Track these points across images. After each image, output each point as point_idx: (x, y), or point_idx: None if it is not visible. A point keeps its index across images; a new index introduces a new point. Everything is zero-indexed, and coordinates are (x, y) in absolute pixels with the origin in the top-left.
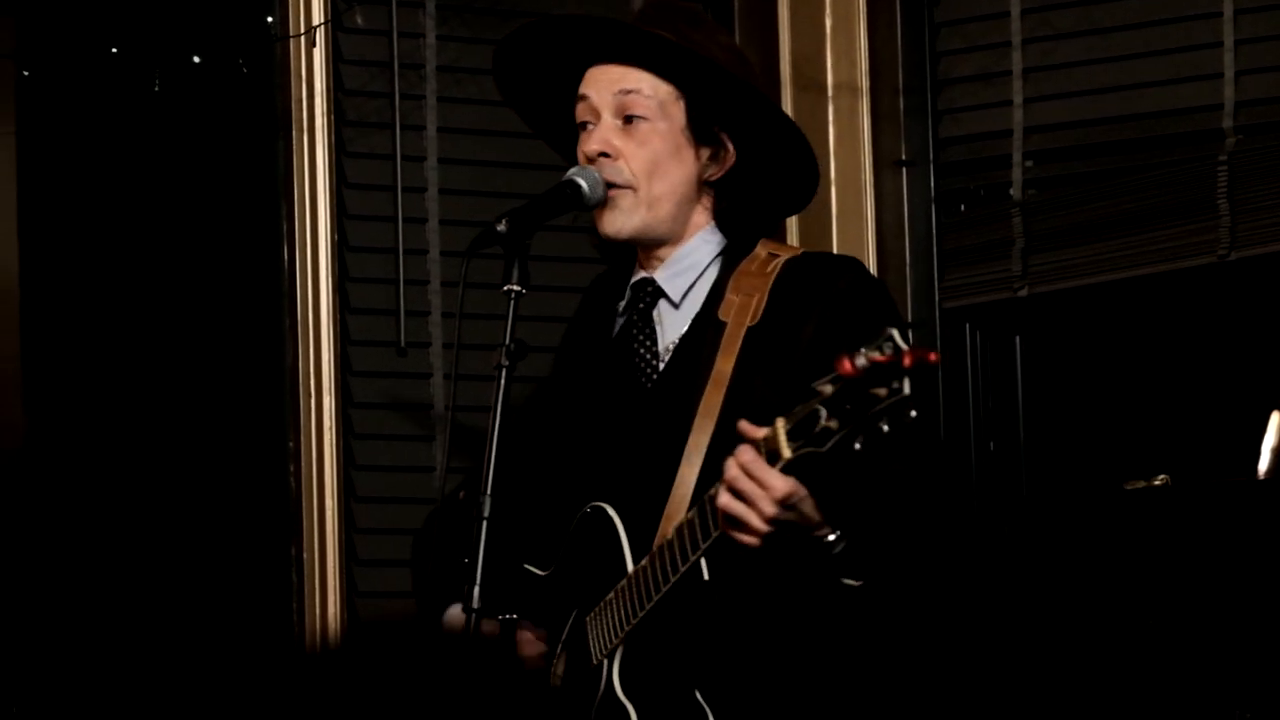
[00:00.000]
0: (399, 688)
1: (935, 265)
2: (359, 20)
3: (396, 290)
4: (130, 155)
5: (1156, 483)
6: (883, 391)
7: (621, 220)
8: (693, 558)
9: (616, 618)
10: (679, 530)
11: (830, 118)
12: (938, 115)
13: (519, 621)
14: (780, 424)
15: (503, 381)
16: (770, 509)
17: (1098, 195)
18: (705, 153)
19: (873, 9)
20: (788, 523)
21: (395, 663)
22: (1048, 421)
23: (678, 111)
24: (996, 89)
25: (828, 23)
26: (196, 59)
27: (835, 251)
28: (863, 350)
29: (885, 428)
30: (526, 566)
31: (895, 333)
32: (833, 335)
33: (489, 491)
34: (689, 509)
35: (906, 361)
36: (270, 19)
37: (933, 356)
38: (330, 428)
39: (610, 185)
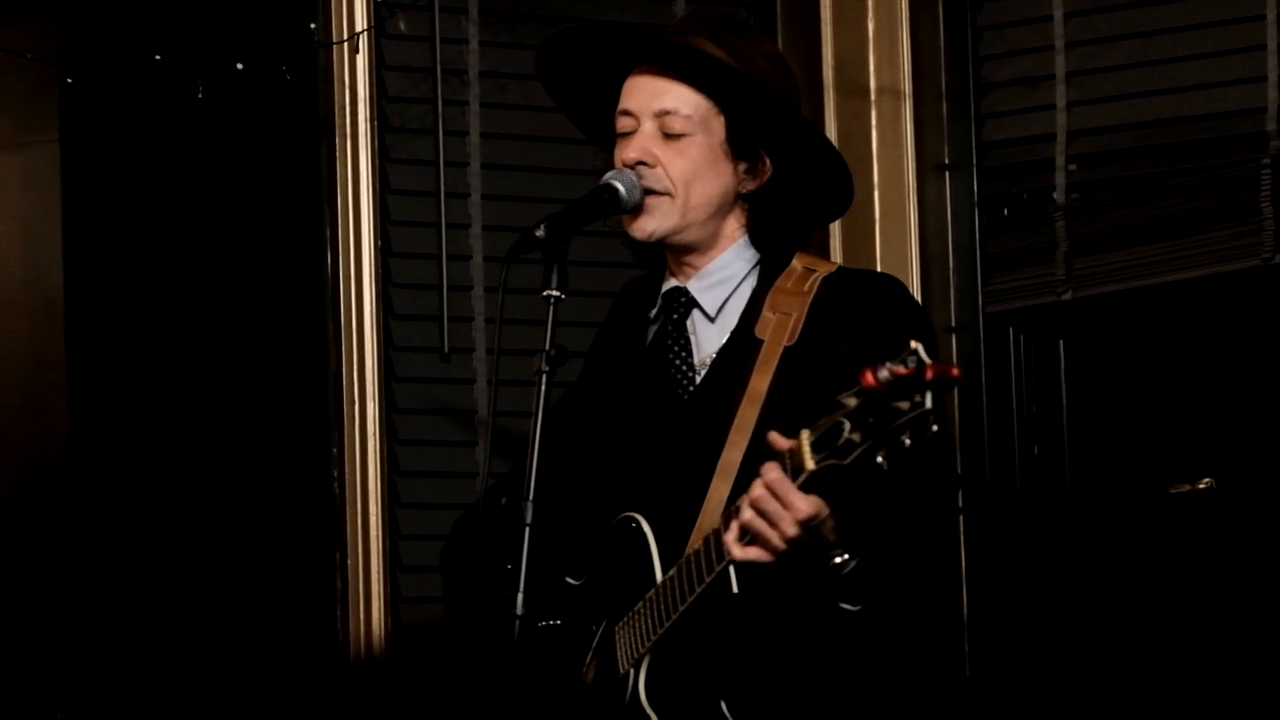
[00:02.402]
0: (442, 693)
1: (979, 269)
2: (402, 26)
3: (440, 296)
4: (173, 162)
5: (1201, 486)
6: (905, 405)
7: (654, 224)
8: (718, 567)
9: (644, 628)
10: (706, 542)
11: (873, 122)
12: (981, 119)
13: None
14: (805, 435)
15: (543, 387)
16: (791, 530)
17: (1141, 199)
18: (743, 166)
19: (915, 13)
20: (804, 542)
21: (438, 668)
22: (1092, 425)
23: (718, 126)
24: (1039, 93)
25: (870, 27)
26: (240, 65)
27: (878, 255)
28: (887, 364)
29: (907, 441)
30: (566, 576)
31: (919, 346)
32: (867, 357)
33: (531, 498)
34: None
35: (929, 375)
36: (313, 25)
37: (955, 371)
38: (374, 433)
39: (648, 191)
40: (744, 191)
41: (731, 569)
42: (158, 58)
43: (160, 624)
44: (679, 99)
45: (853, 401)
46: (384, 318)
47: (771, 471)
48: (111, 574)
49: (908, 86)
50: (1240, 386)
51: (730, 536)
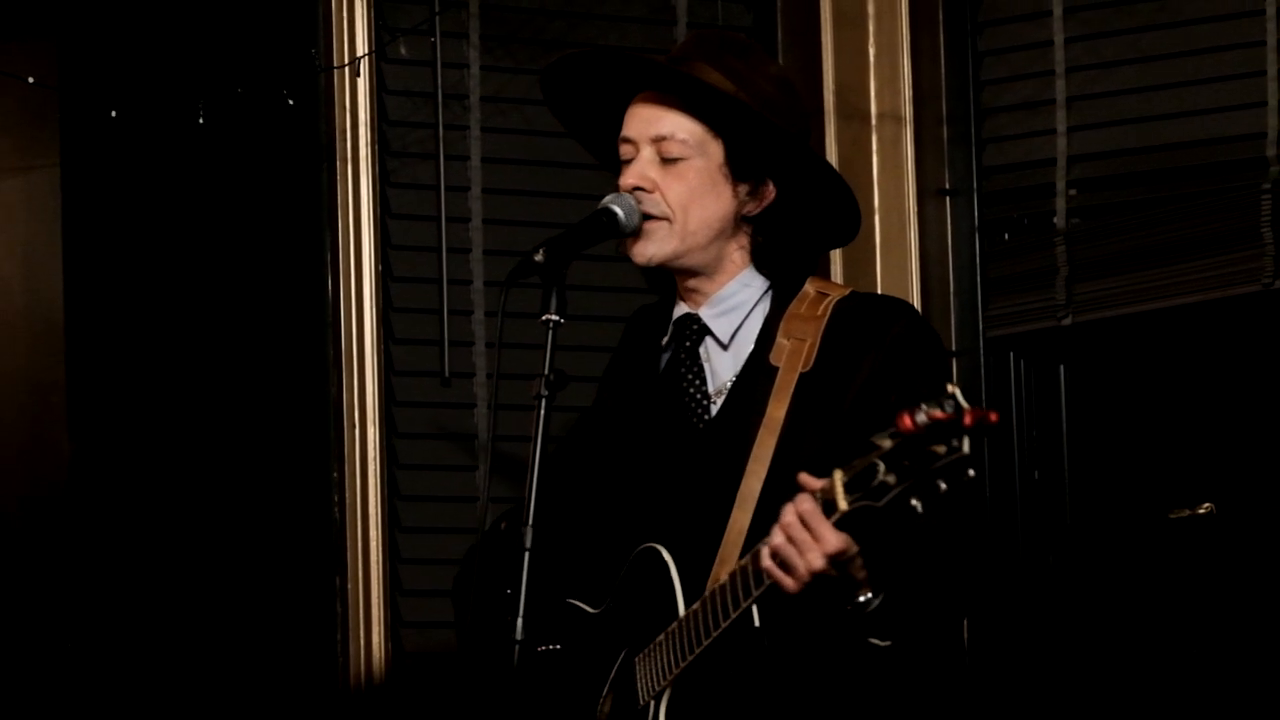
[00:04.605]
0: (443, 718)
1: (979, 294)
2: (403, 51)
3: (440, 320)
4: (174, 186)
5: (1201, 511)
6: (941, 449)
7: (654, 248)
8: (744, 604)
9: (666, 660)
10: (732, 576)
11: (874, 147)
12: (981, 144)
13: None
14: (838, 475)
15: (542, 412)
16: (819, 561)
17: (1141, 224)
18: (744, 189)
19: (916, 38)
20: (830, 577)
21: (439, 694)
22: (1092, 450)
23: (716, 149)
24: (1040, 118)
25: (871, 52)
26: (240, 90)
27: (879, 280)
28: (924, 407)
29: (943, 486)
30: (576, 603)
31: (957, 391)
32: (883, 383)
33: (531, 523)
34: (741, 555)
35: (967, 420)
36: (314, 50)
37: (994, 417)
38: (374, 458)
39: (646, 216)
40: (746, 214)
41: (754, 604)
42: (158, 82)
43: (161, 646)
44: (674, 124)
45: (888, 443)
46: (384, 342)
47: (804, 502)
48: (112, 595)
49: (908, 111)
50: (1240, 412)
51: (765, 553)
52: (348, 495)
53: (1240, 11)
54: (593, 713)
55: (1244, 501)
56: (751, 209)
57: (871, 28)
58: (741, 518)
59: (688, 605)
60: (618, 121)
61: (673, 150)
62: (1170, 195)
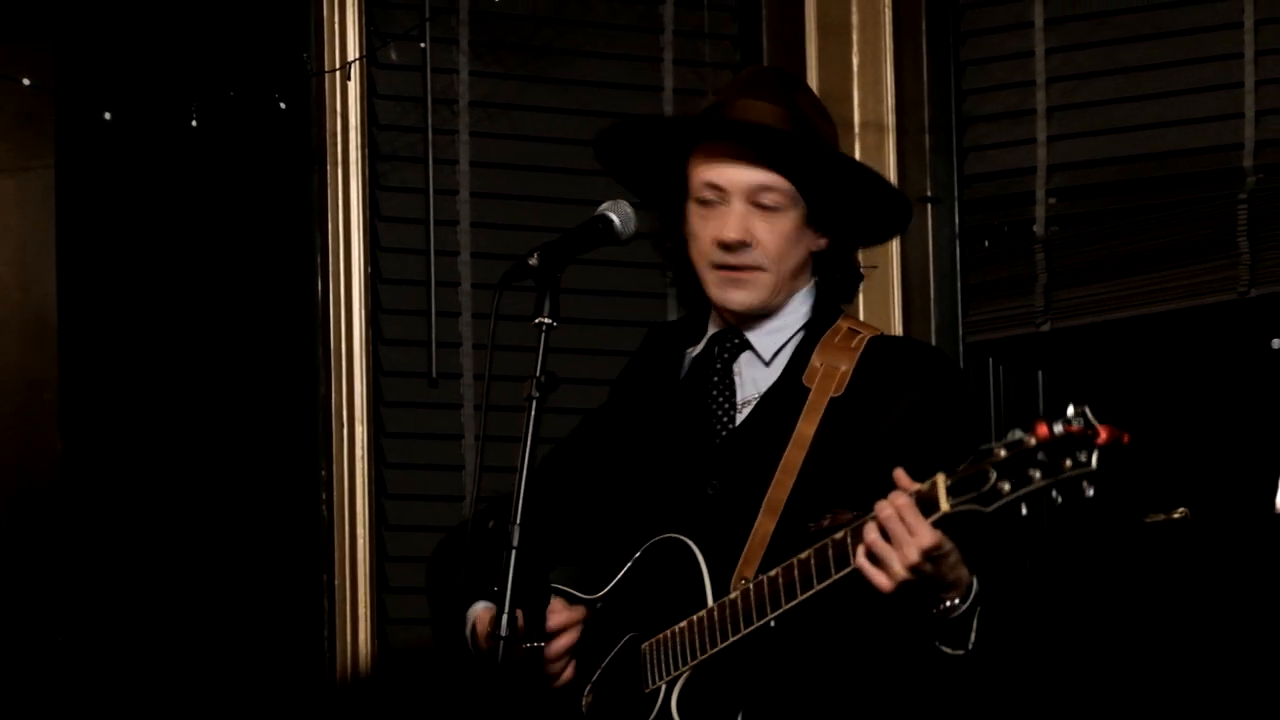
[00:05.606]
0: (428, 714)
1: (959, 300)
2: (393, 55)
3: (428, 322)
4: (167, 188)
5: (1176, 516)
6: (1067, 463)
7: (749, 298)
8: (800, 596)
9: (686, 647)
10: (787, 568)
11: (857, 155)
12: (963, 152)
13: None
14: (941, 478)
15: (533, 413)
16: (914, 556)
17: (1120, 232)
18: (818, 231)
19: (900, 47)
20: (922, 576)
21: (426, 690)
22: None
23: (802, 200)
24: (1021, 127)
25: (855, 61)
26: (233, 93)
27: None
28: (1059, 420)
29: (1059, 499)
30: (567, 589)
31: (1087, 409)
32: (921, 416)
33: (518, 521)
34: (765, 558)
35: (1102, 438)
36: (305, 54)
37: (1126, 438)
38: (362, 457)
39: (731, 266)
40: (814, 250)
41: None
42: (152, 85)
43: (150, 643)
44: (772, 175)
45: (1003, 453)
46: (373, 343)
47: (900, 498)
48: (102, 593)
49: (891, 120)
50: (1216, 418)
51: (860, 550)
52: (336, 493)
53: (1218, 24)
54: (580, 693)
55: (1219, 507)
56: (820, 245)
57: (855, 37)
58: (767, 522)
59: (715, 596)
60: (664, 154)
61: (769, 200)
62: (1148, 204)
